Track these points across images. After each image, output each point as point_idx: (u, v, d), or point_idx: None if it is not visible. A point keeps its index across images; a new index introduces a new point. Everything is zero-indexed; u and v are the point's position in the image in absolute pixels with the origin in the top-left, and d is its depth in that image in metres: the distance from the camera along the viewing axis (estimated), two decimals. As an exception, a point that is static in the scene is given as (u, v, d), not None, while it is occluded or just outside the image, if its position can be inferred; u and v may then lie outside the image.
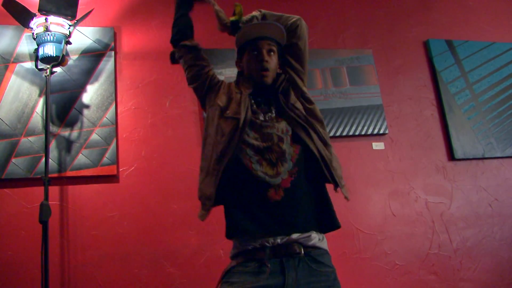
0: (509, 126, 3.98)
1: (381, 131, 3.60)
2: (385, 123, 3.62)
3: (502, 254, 3.71)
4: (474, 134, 3.86)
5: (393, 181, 3.60)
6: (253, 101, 1.92)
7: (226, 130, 1.82)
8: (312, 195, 1.83)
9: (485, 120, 3.94)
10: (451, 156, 3.79)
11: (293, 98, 1.95)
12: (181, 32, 2.15)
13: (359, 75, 3.70)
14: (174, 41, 2.18)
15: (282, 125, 1.86)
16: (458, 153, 3.77)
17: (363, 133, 3.56)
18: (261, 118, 1.87)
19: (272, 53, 1.96)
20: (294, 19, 2.04)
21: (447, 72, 3.97)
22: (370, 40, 3.91)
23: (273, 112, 1.91)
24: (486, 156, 3.85)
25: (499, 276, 3.65)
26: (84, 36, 3.22)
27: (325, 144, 1.91)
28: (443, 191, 3.70)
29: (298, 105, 1.94)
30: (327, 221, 1.87)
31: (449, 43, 4.06)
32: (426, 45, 4.05)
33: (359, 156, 3.57)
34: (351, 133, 3.53)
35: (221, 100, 1.91)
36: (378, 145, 3.63)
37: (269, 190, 1.72)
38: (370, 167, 3.58)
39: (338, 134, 3.49)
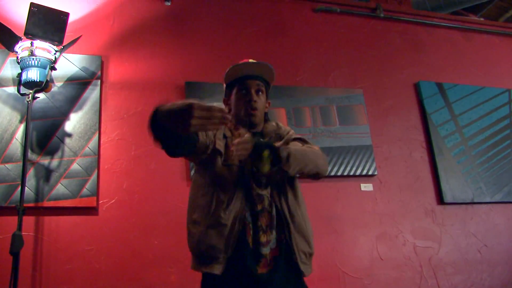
0: (498, 171, 3.94)
1: (370, 172, 3.53)
2: (374, 164, 3.56)
3: (491, 303, 3.61)
4: (463, 178, 3.81)
5: (381, 223, 3.51)
6: None
7: (229, 178, 1.77)
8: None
9: (475, 164, 3.89)
10: (440, 199, 3.72)
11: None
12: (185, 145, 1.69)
13: (349, 114, 3.65)
14: (173, 153, 1.69)
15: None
16: (448, 197, 3.70)
17: (351, 173, 3.49)
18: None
19: (260, 93, 1.94)
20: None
21: (437, 114, 3.94)
22: (360, 79, 3.89)
23: None
24: (476, 201, 3.79)
25: (488, 326, 3.55)
26: (70, 63, 3.15)
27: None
28: (432, 235, 3.62)
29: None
30: None
31: (440, 86, 4.05)
32: (416, 87, 4.04)
33: (347, 196, 3.49)
34: (339, 173, 3.46)
35: (220, 146, 1.82)
36: (366, 186, 3.55)
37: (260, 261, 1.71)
38: (358, 208, 3.49)
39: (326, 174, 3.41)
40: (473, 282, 3.60)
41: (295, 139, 1.97)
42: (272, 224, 1.74)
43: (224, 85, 2.01)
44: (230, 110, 1.97)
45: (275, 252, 1.71)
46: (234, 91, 1.94)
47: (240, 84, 1.93)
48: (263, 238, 1.70)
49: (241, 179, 1.77)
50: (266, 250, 1.69)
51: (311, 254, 1.83)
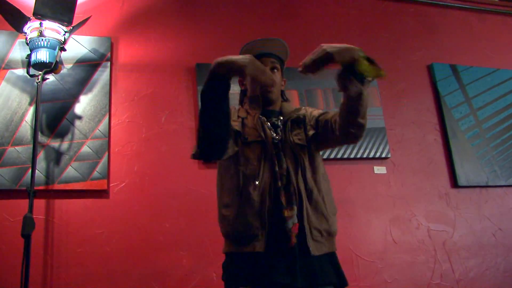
0: (513, 154, 3.88)
1: (383, 155, 3.48)
2: (387, 147, 3.50)
3: (506, 287, 3.56)
4: (478, 161, 3.75)
5: (395, 206, 3.46)
6: (267, 123, 1.86)
7: (252, 155, 1.77)
8: None
9: (489, 147, 3.83)
10: (454, 183, 3.66)
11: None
12: (218, 145, 1.70)
13: (362, 96, 3.59)
14: (206, 156, 1.80)
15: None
16: (462, 180, 3.65)
17: (364, 156, 3.44)
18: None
19: (275, 70, 1.93)
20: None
21: (451, 97, 3.87)
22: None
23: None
24: (490, 184, 3.73)
25: (503, 309, 3.51)
26: (79, 45, 3.11)
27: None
28: (446, 219, 3.57)
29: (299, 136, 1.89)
30: None
31: (453, 68, 3.98)
32: (430, 69, 3.97)
33: (360, 179, 3.44)
34: (352, 156, 3.41)
35: (237, 126, 1.81)
36: (379, 169, 3.50)
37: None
38: (371, 191, 3.44)
39: (339, 156, 3.37)
40: (488, 266, 3.56)
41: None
42: (291, 201, 1.70)
43: None
44: (245, 90, 1.95)
45: (296, 229, 1.68)
46: None
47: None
48: (286, 213, 1.68)
49: (263, 155, 1.76)
50: (288, 225, 1.67)
51: (329, 232, 1.78)
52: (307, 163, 1.81)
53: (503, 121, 3.97)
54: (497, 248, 3.63)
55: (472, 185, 3.69)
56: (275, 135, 1.82)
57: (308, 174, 1.79)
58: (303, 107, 2.02)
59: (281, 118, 1.89)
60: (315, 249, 1.70)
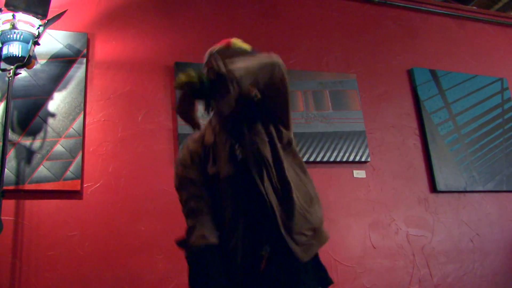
0: (491, 160, 3.89)
1: (363, 159, 3.45)
2: (367, 151, 3.47)
3: (483, 292, 3.56)
4: (456, 166, 3.75)
5: (374, 211, 3.43)
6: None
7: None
8: None
9: (468, 152, 3.84)
10: (433, 188, 3.66)
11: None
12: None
13: (342, 99, 3.56)
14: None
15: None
16: (441, 185, 3.64)
17: (344, 159, 3.40)
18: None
19: None
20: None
21: (431, 102, 3.87)
22: (354, 64, 3.79)
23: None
24: (468, 189, 3.74)
25: (480, 315, 3.50)
26: (54, 40, 3.00)
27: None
28: (425, 223, 3.55)
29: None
30: None
31: (433, 73, 3.98)
32: (410, 74, 3.96)
33: (339, 183, 3.40)
34: (332, 159, 3.36)
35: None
36: (359, 173, 3.47)
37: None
38: (350, 195, 3.41)
39: (318, 159, 3.32)
40: (465, 271, 3.55)
41: None
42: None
43: None
44: None
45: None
46: None
47: None
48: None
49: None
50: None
51: (313, 229, 1.71)
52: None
53: (482, 127, 3.98)
54: (474, 253, 3.63)
55: (450, 190, 3.69)
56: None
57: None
58: None
59: None
60: (304, 255, 1.62)
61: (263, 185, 1.61)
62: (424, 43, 4.19)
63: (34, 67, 2.88)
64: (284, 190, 1.65)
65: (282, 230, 1.60)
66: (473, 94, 4.08)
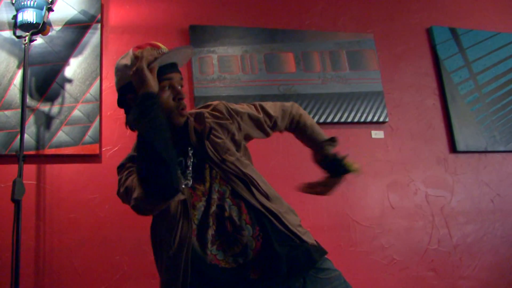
0: (513, 119, 3.82)
1: (381, 119, 3.41)
2: (385, 111, 3.44)
3: (503, 252, 3.54)
4: (477, 126, 3.69)
5: (392, 171, 3.42)
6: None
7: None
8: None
9: (489, 112, 3.77)
10: (453, 148, 3.61)
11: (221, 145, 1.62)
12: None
13: (360, 59, 3.51)
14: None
15: (212, 187, 1.57)
16: (461, 145, 3.59)
17: (362, 120, 3.37)
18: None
19: (181, 87, 1.59)
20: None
21: (451, 61, 3.79)
22: (371, 24, 3.72)
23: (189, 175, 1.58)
24: (489, 149, 3.68)
25: (500, 274, 3.49)
26: (68, 6, 3.01)
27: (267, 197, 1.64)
28: (444, 184, 3.53)
29: (229, 155, 1.62)
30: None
31: (453, 31, 3.89)
32: (429, 32, 3.88)
33: (357, 144, 3.38)
34: (349, 120, 3.34)
35: None
36: (377, 134, 3.44)
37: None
38: (368, 156, 3.39)
39: (336, 120, 3.30)
40: (485, 232, 3.53)
41: (251, 115, 1.75)
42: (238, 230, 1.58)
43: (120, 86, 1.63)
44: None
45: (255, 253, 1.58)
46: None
47: (161, 77, 1.52)
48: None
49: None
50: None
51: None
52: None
53: (504, 86, 3.89)
54: (495, 214, 3.60)
55: (471, 150, 3.64)
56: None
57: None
58: (209, 109, 1.71)
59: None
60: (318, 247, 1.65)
61: (258, 201, 1.58)
62: (444, 0, 4.08)
63: (50, 33, 2.89)
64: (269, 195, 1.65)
65: (295, 231, 1.60)
66: (495, 52, 3.97)
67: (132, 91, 1.48)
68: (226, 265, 1.50)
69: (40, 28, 2.65)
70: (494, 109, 3.79)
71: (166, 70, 1.54)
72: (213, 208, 1.53)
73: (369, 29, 3.69)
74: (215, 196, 1.55)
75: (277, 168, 3.16)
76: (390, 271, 3.21)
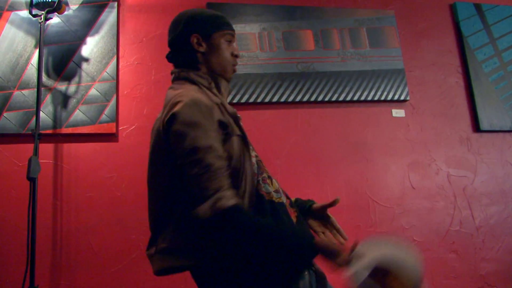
0: (539, 98, 3.70)
1: (402, 98, 3.34)
2: (406, 89, 3.36)
3: (528, 234, 3.46)
4: (502, 104, 3.58)
5: (413, 151, 3.34)
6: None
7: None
8: None
9: (514, 90, 3.66)
10: (476, 127, 3.51)
11: None
12: None
13: (380, 37, 3.43)
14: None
15: None
16: (484, 124, 3.49)
17: (382, 98, 3.30)
18: None
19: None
20: None
21: (475, 37, 3.68)
22: (392, 0, 3.62)
23: None
24: (514, 129, 3.58)
25: (524, 257, 3.41)
26: (84, -16, 2.99)
27: None
28: (467, 164, 3.44)
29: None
30: None
31: (478, 7, 3.77)
32: (452, 8, 3.76)
33: (377, 123, 3.32)
34: (369, 98, 3.27)
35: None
36: (398, 112, 3.37)
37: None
38: (389, 135, 3.32)
39: (356, 98, 3.23)
40: (509, 213, 3.45)
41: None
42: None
43: (198, 26, 1.64)
44: (202, 54, 1.61)
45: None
46: (219, 39, 1.61)
47: (230, 34, 1.64)
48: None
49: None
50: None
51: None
52: None
53: (530, 63, 3.77)
54: (519, 195, 3.52)
55: (495, 129, 3.53)
56: None
57: None
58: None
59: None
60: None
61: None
62: (469, -24, 3.97)
63: (66, 12, 2.88)
64: None
65: None
66: (522, 28, 3.85)
67: (196, 31, 1.60)
68: None
69: (55, 6, 2.64)
70: (519, 87, 3.68)
71: (230, 26, 1.66)
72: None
73: (390, 6, 3.60)
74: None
75: (295, 147, 3.12)
76: (410, 252, 3.16)
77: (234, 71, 1.65)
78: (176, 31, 1.66)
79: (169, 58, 1.71)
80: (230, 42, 1.63)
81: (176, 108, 1.38)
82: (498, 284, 3.28)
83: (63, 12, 2.80)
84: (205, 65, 1.59)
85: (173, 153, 1.40)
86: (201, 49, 1.59)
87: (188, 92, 1.44)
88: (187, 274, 1.48)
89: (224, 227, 1.29)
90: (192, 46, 1.59)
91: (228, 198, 1.29)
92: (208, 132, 1.37)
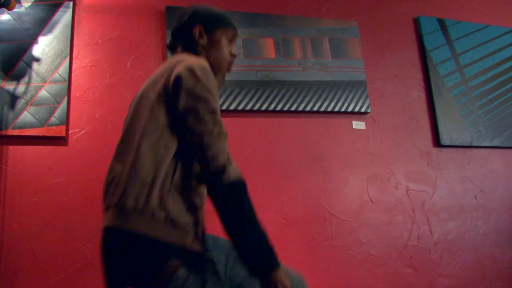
0: (499, 115, 3.72)
1: (363, 110, 3.30)
2: (367, 101, 3.32)
3: (485, 251, 3.44)
4: (462, 120, 3.58)
5: (373, 164, 3.31)
6: None
7: None
8: None
9: (475, 106, 3.66)
10: (436, 142, 3.50)
11: None
12: None
13: (342, 47, 3.40)
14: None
15: None
16: (445, 139, 3.49)
17: (343, 110, 3.26)
18: None
19: None
20: None
21: (437, 52, 3.68)
22: (356, 11, 3.61)
23: None
24: (474, 144, 3.58)
25: (480, 273, 3.39)
26: (38, -19, 2.88)
27: None
28: (426, 178, 3.42)
29: None
30: None
31: (441, 22, 3.78)
32: (416, 22, 3.76)
33: (337, 134, 3.28)
34: (330, 109, 3.22)
35: None
36: (358, 124, 3.33)
37: None
38: (348, 147, 3.28)
39: (316, 109, 3.18)
40: (467, 229, 3.44)
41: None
42: None
43: (205, 17, 1.69)
44: (203, 47, 1.66)
45: None
46: (221, 35, 1.68)
47: (234, 34, 1.72)
48: None
49: None
50: None
51: None
52: None
53: (491, 80, 3.79)
54: (478, 211, 3.51)
55: (455, 144, 3.53)
56: None
57: None
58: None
59: None
60: None
61: None
62: (433, -10, 3.98)
63: (18, 10, 2.78)
64: None
65: None
66: (484, 45, 3.87)
67: (201, 23, 1.65)
68: None
69: (3, 1, 2.53)
70: (480, 103, 3.69)
71: (234, 26, 1.71)
72: None
73: (354, 17, 3.57)
74: None
75: (251, 156, 3.05)
76: (367, 266, 3.11)
77: (229, 70, 1.71)
78: (181, 21, 1.68)
79: (170, 47, 1.73)
80: (231, 41, 1.70)
81: (193, 65, 1.44)
82: (454, 301, 3.26)
83: (13, 9, 2.68)
84: (204, 58, 1.61)
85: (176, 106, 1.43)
86: (202, 42, 1.64)
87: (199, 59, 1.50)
88: None
89: (237, 194, 1.37)
90: (193, 37, 1.63)
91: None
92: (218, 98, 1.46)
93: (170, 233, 1.36)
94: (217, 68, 1.65)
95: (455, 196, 3.47)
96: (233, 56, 1.70)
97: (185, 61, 1.47)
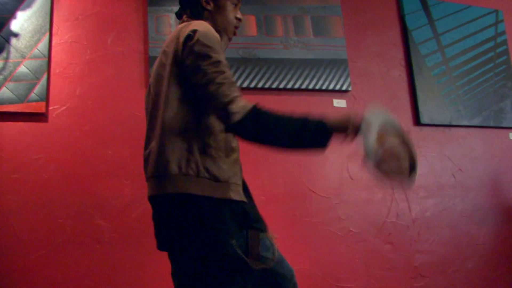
0: (479, 94, 3.76)
1: (344, 88, 3.32)
2: (348, 80, 3.34)
3: (462, 227, 3.51)
4: (442, 99, 3.62)
5: (353, 142, 3.33)
6: None
7: None
8: None
9: (455, 85, 3.70)
10: (416, 120, 3.54)
11: None
12: None
13: (324, 26, 3.40)
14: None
15: None
16: (425, 118, 3.52)
17: (324, 88, 3.27)
18: None
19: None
20: None
21: (419, 32, 3.70)
22: (339, -10, 3.60)
23: None
24: (453, 123, 3.62)
25: (457, 250, 3.46)
26: (16, -45, 2.84)
27: None
28: (406, 157, 3.45)
29: None
30: None
31: (423, 2, 3.79)
32: (398, 2, 3.77)
33: (318, 112, 3.28)
34: (311, 87, 3.24)
35: None
36: (339, 103, 3.35)
37: None
38: (329, 125, 3.29)
39: (297, 87, 3.20)
40: (445, 206, 3.49)
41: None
42: None
43: None
44: (209, 12, 1.73)
45: None
46: (228, 2, 1.73)
47: None
48: None
49: None
50: None
51: None
52: None
53: (471, 60, 3.83)
54: (456, 189, 3.56)
55: (435, 123, 3.57)
56: None
57: None
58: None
59: None
60: None
61: None
62: (416, -30, 3.97)
63: (-5, -17, 2.74)
64: None
65: None
66: (465, 25, 3.90)
67: None
68: None
69: (-20, -25, 2.49)
70: (460, 83, 3.73)
71: None
72: None
73: (337, -5, 3.57)
74: None
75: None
76: (346, 243, 3.16)
77: (235, 33, 1.77)
78: None
79: (178, 14, 1.79)
80: (235, 6, 1.75)
81: (196, 27, 1.53)
82: (430, 275, 3.33)
83: (-9, -17, 2.66)
84: (210, 22, 1.67)
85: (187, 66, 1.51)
86: (208, 7, 1.70)
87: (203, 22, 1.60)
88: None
89: (258, 120, 1.45)
90: (200, 3, 1.70)
91: (247, 101, 1.46)
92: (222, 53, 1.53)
93: (215, 188, 1.47)
94: (223, 32, 1.72)
95: (434, 174, 3.53)
96: (238, 20, 1.76)
97: (191, 25, 1.56)
